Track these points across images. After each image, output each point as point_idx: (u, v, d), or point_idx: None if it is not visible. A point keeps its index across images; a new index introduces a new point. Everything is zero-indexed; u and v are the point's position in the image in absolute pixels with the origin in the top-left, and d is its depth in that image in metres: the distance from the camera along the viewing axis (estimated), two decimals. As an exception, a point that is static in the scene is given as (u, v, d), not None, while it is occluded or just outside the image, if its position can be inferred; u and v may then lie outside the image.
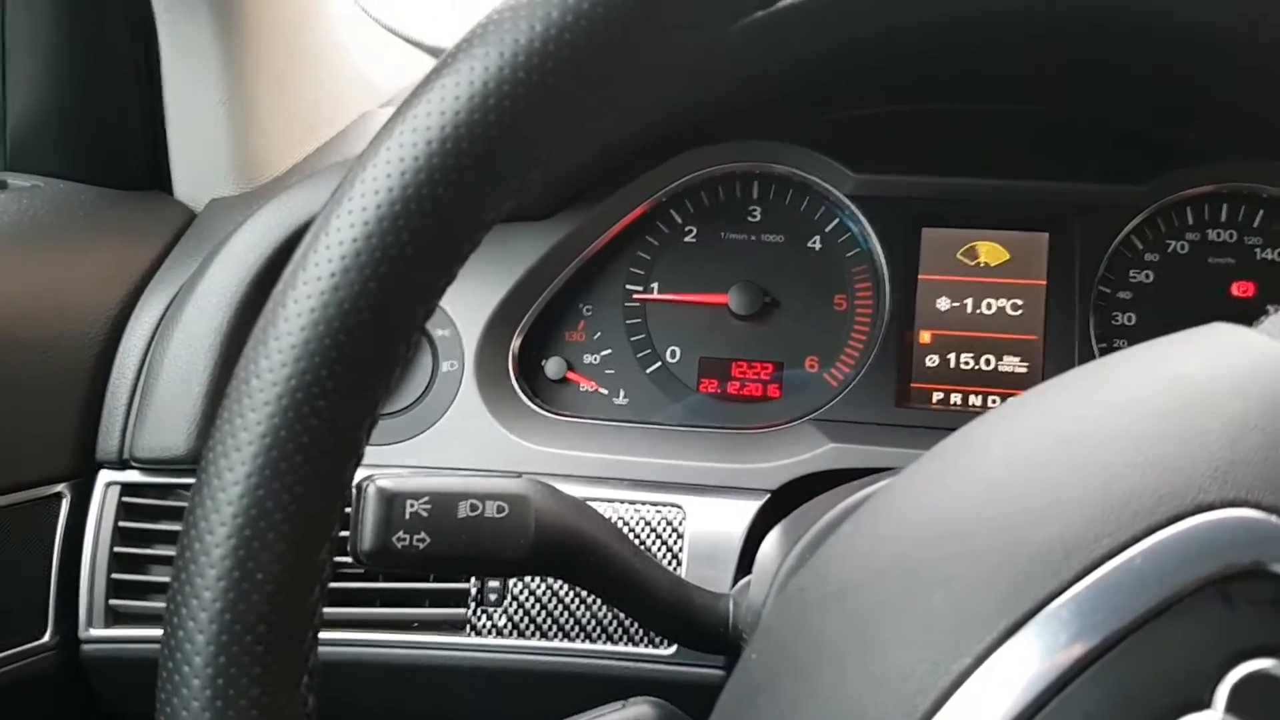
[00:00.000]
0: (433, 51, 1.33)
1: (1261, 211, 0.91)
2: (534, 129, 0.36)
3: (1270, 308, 0.88)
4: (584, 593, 0.82)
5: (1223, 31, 0.78)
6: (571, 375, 0.97)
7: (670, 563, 0.82)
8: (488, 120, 0.36)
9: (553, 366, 0.96)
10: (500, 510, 0.58)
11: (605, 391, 0.97)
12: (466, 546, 0.57)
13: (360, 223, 0.36)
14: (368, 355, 0.36)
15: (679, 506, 0.84)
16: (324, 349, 0.35)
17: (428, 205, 0.36)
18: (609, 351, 0.97)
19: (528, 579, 0.83)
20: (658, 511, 0.84)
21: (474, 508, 0.57)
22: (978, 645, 0.30)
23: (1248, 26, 0.76)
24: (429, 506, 0.56)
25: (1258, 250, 0.91)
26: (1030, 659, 0.30)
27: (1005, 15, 0.83)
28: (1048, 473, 0.33)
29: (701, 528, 0.83)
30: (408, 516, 0.56)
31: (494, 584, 0.83)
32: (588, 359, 0.97)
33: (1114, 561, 0.30)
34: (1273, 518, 0.30)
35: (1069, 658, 0.29)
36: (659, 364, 0.96)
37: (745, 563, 0.80)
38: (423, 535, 0.56)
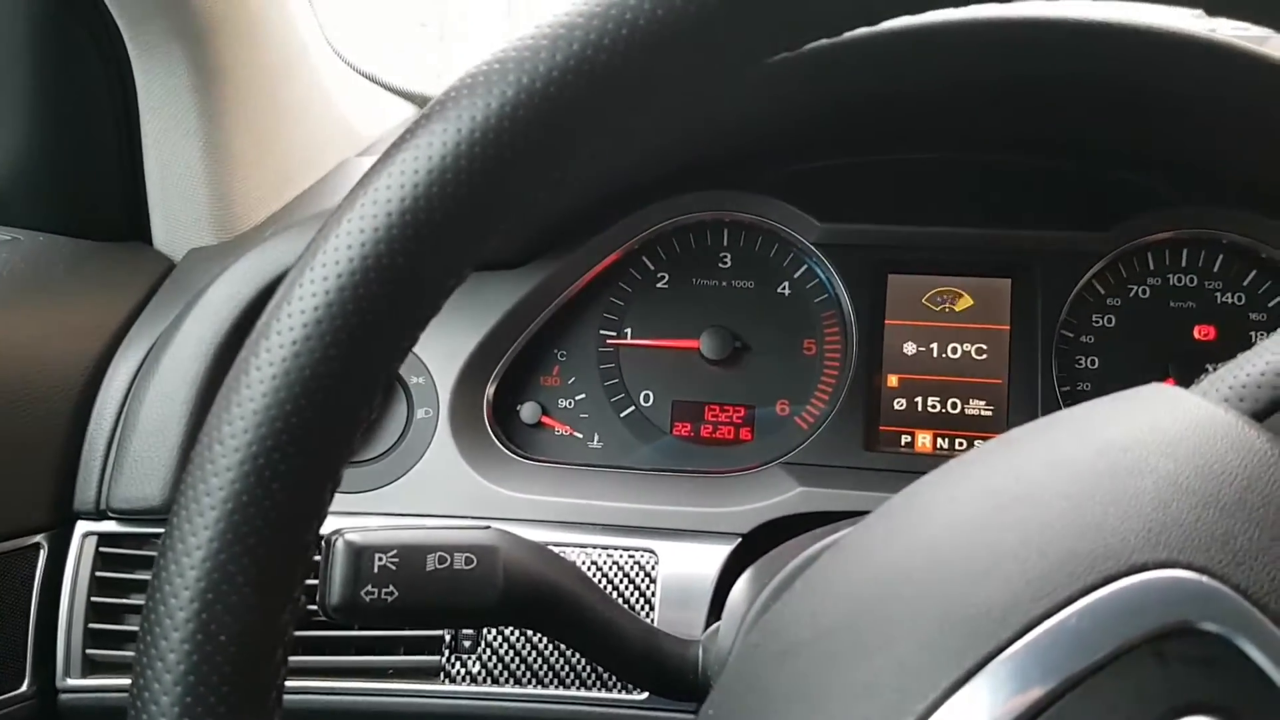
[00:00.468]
0: (411, 97, 1.34)
1: (1221, 256, 0.93)
2: (492, 201, 0.37)
3: (1210, 366, 0.89)
4: (556, 639, 0.82)
5: (1179, 90, 0.80)
6: (546, 420, 0.98)
7: (643, 607, 0.83)
8: (445, 193, 0.36)
9: (527, 411, 0.97)
10: (469, 562, 0.58)
11: (580, 435, 0.97)
12: (436, 599, 0.57)
13: (322, 292, 0.36)
14: (328, 420, 0.37)
15: (652, 551, 0.84)
16: (285, 414, 0.36)
17: (387, 275, 0.37)
18: (583, 396, 0.98)
19: (501, 625, 0.83)
20: (631, 556, 0.84)
21: (442, 560, 0.58)
22: (919, 705, 0.31)
23: (1201, 87, 0.78)
24: (397, 560, 0.56)
25: (1218, 294, 0.92)
26: (972, 717, 0.30)
27: (977, 74, 0.84)
28: (987, 534, 0.34)
29: (674, 571, 0.83)
30: (376, 570, 0.56)
31: (468, 630, 0.83)
32: (562, 403, 0.98)
33: (1051, 621, 0.31)
34: (1202, 578, 0.31)
35: (1009, 714, 0.30)
36: (632, 408, 0.97)
37: (717, 606, 0.80)
38: (391, 589, 0.56)
